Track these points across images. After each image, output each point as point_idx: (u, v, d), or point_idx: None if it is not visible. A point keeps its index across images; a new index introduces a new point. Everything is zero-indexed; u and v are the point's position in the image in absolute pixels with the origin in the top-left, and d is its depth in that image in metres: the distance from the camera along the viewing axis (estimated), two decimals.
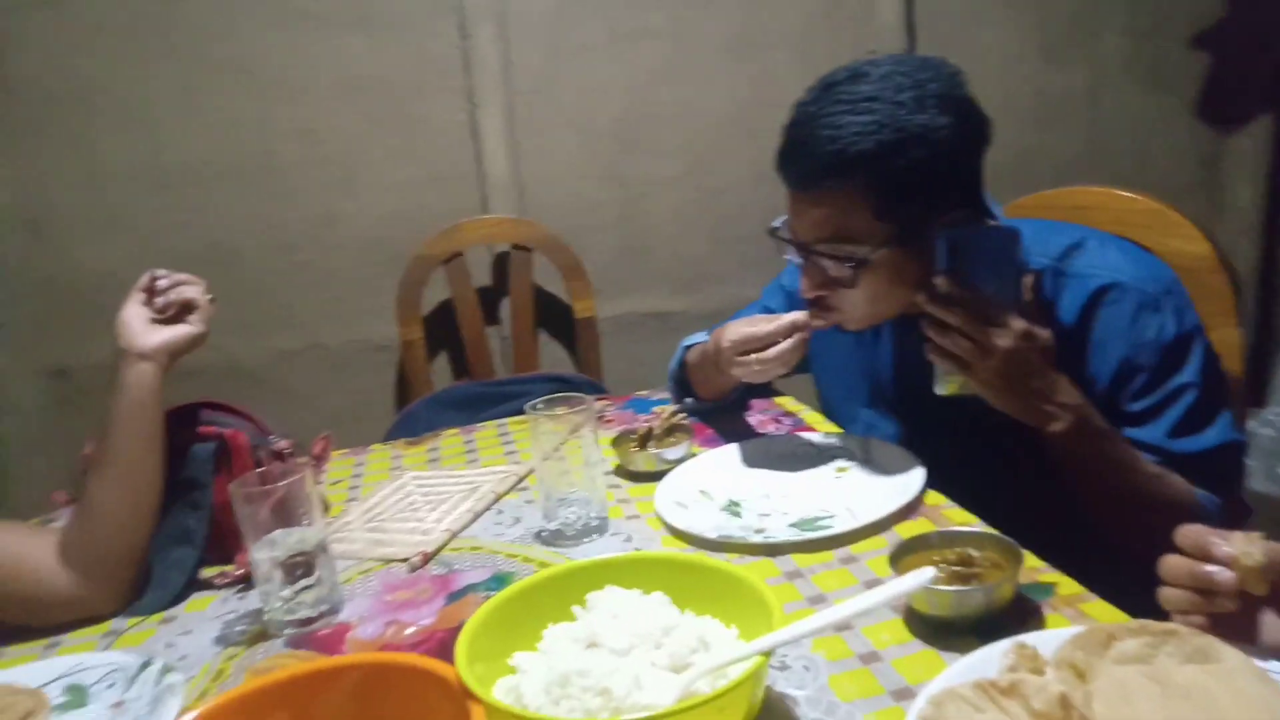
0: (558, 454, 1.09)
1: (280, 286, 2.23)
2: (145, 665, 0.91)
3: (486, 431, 1.53)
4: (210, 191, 2.15)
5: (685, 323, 2.16)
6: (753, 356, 1.17)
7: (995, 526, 0.95)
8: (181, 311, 1.11)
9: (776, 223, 1.15)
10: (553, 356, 2.37)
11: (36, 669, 0.93)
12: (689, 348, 1.46)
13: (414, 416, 1.90)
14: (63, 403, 2.16)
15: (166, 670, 0.89)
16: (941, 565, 0.82)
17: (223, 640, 0.98)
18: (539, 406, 1.09)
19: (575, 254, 2.21)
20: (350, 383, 2.30)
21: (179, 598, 1.07)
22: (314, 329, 2.27)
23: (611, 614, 0.76)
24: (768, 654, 0.66)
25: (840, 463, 1.20)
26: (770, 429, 1.36)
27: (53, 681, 0.91)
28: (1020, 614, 0.80)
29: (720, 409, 1.43)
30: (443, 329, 2.25)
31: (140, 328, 1.08)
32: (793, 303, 1.42)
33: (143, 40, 2.06)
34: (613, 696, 0.66)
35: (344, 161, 2.20)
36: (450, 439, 1.52)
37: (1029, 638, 0.70)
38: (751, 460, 1.23)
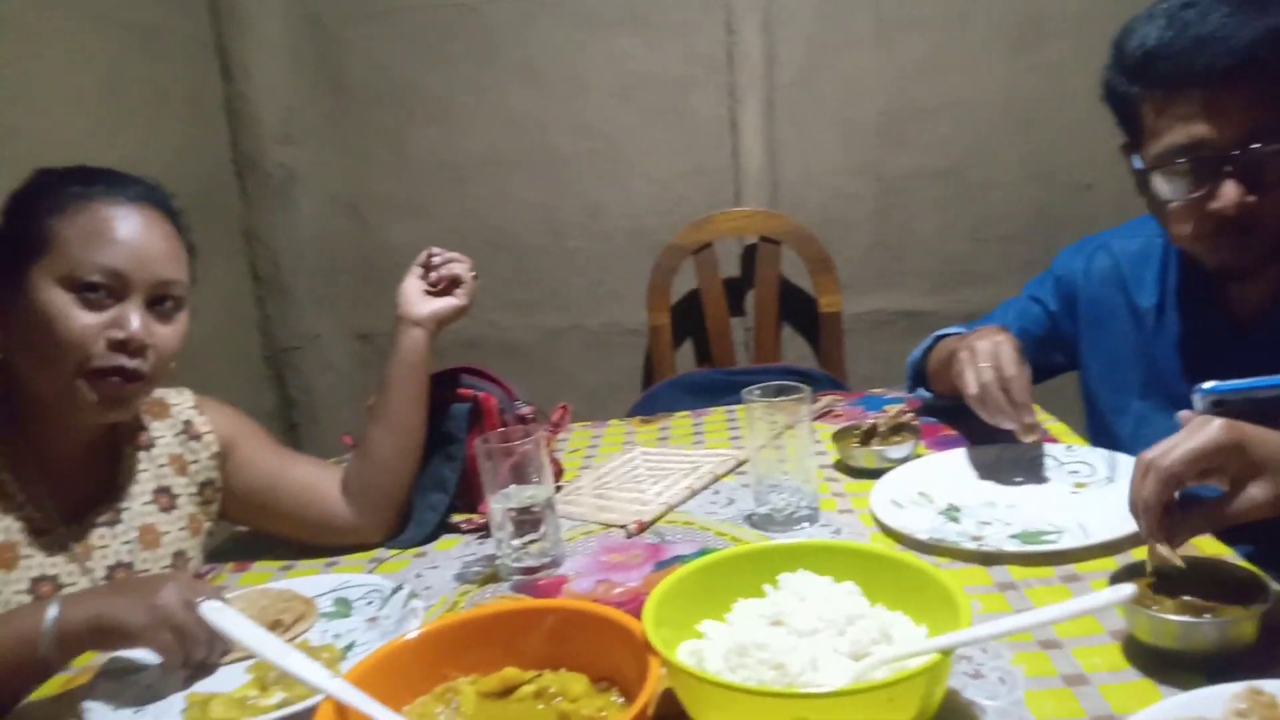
0: (775, 443, 1.10)
1: (550, 270, 2.42)
2: (396, 590, 1.05)
3: (716, 416, 1.58)
4: (496, 182, 2.38)
5: (938, 323, 2.05)
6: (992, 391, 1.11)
7: (1264, 565, 0.84)
8: (450, 286, 1.25)
9: (1138, 163, 1.05)
10: (796, 351, 2.37)
11: (316, 581, 1.10)
12: (941, 338, 1.41)
13: (655, 398, 1.99)
14: (365, 363, 2.49)
15: (412, 596, 1.02)
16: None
17: (460, 578, 1.10)
18: (756, 394, 1.11)
19: (824, 248, 2.20)
20: (604, 362, 2.44)
21: (431, 537, 1.22)
22: (577, 311, 2.44)
23: (800, 596, 0.77)
24: (948, 653, 0.64)
25: (1080, 478, 1.11)
26: (1008, 437, 1.28)
27: (326, 593, 1.07)
28: (1265, 658, 0.70)
29: (955, 408, 1.36)
30: (690, 317, 2.33)
31: (415, 298, 1.24)
32: (1063, 295, 1.32)
33: (448, 46, 2.31)
34: (787, 672, 0.67)
35: (614, 154, 2.34)
36: (681, 420, 1.58)
37: (1269, 684, 0.62)
38: (981, 467, 1.17)
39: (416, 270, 1.26)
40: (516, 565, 1.07)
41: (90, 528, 1.05)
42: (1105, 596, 0.64)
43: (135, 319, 0.97)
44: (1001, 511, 1.05)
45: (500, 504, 1.06)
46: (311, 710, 0.81)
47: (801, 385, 1.10)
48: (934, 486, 1.12)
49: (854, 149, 2.26)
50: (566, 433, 1.56)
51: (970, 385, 1.12)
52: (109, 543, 1.05)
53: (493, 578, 1.08)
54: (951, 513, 1.06)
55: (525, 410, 1.29)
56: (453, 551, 1.17)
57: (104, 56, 1.88)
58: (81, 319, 0.95)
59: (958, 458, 1.20)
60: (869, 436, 1.23)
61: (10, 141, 1.61)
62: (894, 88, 2.22)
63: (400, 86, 2.35)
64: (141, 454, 1.12)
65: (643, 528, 1.15)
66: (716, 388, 1.89)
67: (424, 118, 2.37)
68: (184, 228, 1.06)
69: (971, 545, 0.97)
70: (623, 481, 1.31)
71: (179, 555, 1.13)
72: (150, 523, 1.10)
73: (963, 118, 2.21)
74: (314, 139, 2.39)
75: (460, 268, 1.26)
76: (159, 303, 1.00)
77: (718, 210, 2.25)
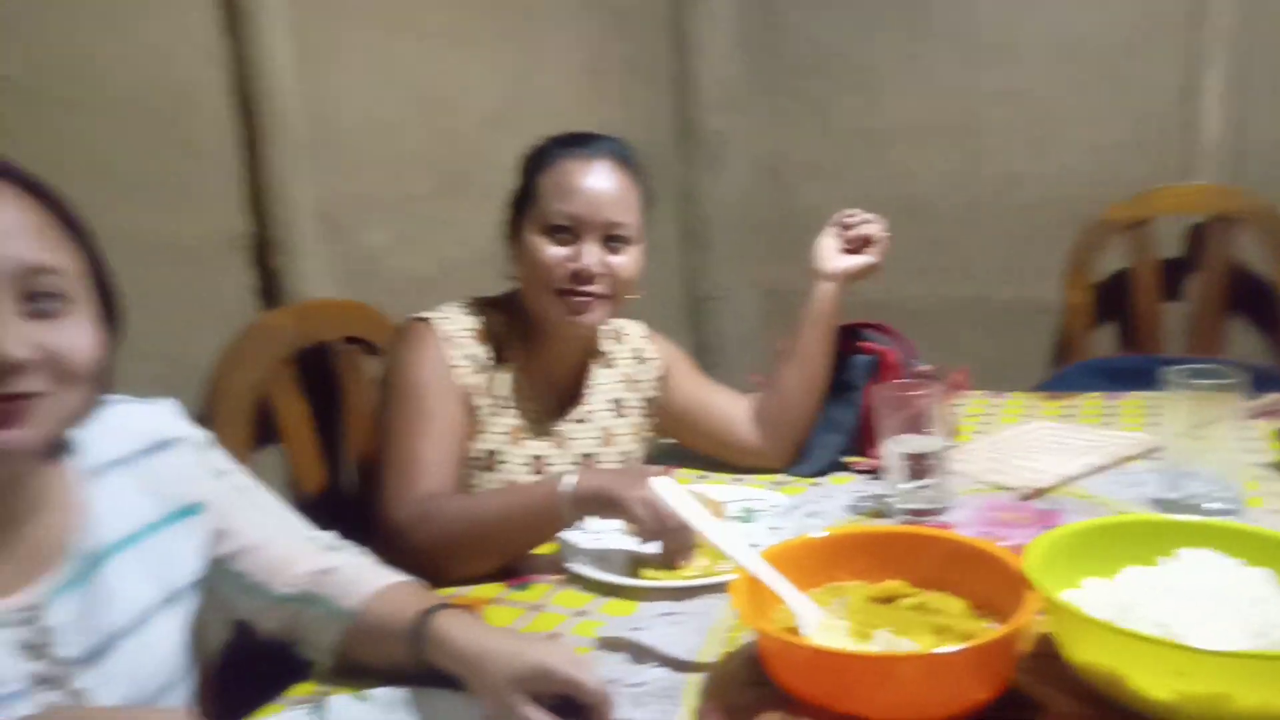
0: (1198, 431, 1.06)
1: (960, 239, 2.40)
2: (794, 508, 1.19)
3: (1133, 401, 1.50)
4: (914, 149, 2.41)
5: None
6: None
7: None
8: (863, 245, 1.35)
9: None
10: (1244, 345, 2.11)
11: (727, 490, 1.29)
12: None
13: (1064, 379, 1.92)
14: (769, 315, 2.69)
15: (810, 515, 1.16)
16: None
17: (851, 509, 1.21)
18: (1182, 374, 1.06)
19: None
20: (1007, 338, 2.37)
21: (825, 471, 1.34)
22: (983, 282, 2.40)
23: (1199, 572, 0.77)
24: None
25: None
26: None
27: (735, 501, 1.25)
28: None
29: None
30: (1112, 298, 2.17)
31: (829, 254, 1.35)
32: None
33: (882, 14, 2.37)
34: (1171, 632, 0.69)
35: (1042, 122, 2.24)
36: (1091, 401, 1.53)
37: None
38: None
39: (833, 229, 1.37)
40: (904, 506, 1.15)
41: (567, 423, 1.32)
42: None
43: (588, 255, 1.20)
44: None
45: (894, 448, 1.15)
46: (721, 585, 0.99)
47: (1233, 370, 1.04)
48: None
49: None
50: (964, 396, 1.59)
51: None
52: (579, 436, 1.32)
53: (880, 514, 1.18)
54: None
55: (925, 368, 1.36)
56: (845, 487, 1.29)
57: (591, 37, 2.24)
58: (549, 251, 1.20)
59: None
60: None
61: (518, 109, 2.00)
62: None
63: (830, 56, 2.46)
64: (605, 371, 1.38)
65: (1038, 493, 1.17)
66: (1138, 375, 1.75)
67: (850, 86, 2.45)
68: (642, 175, 1.28)
69: None
70: (1018, 449, 1.32)
71: (626, 455, 1.38)
72: (608, 425, 1.35)
73: None
74: (746, 106, 2.59)
75: (874, 228, 1.35)
76: (611, 239, 1.22)
77: (1160, 184, 2.07)
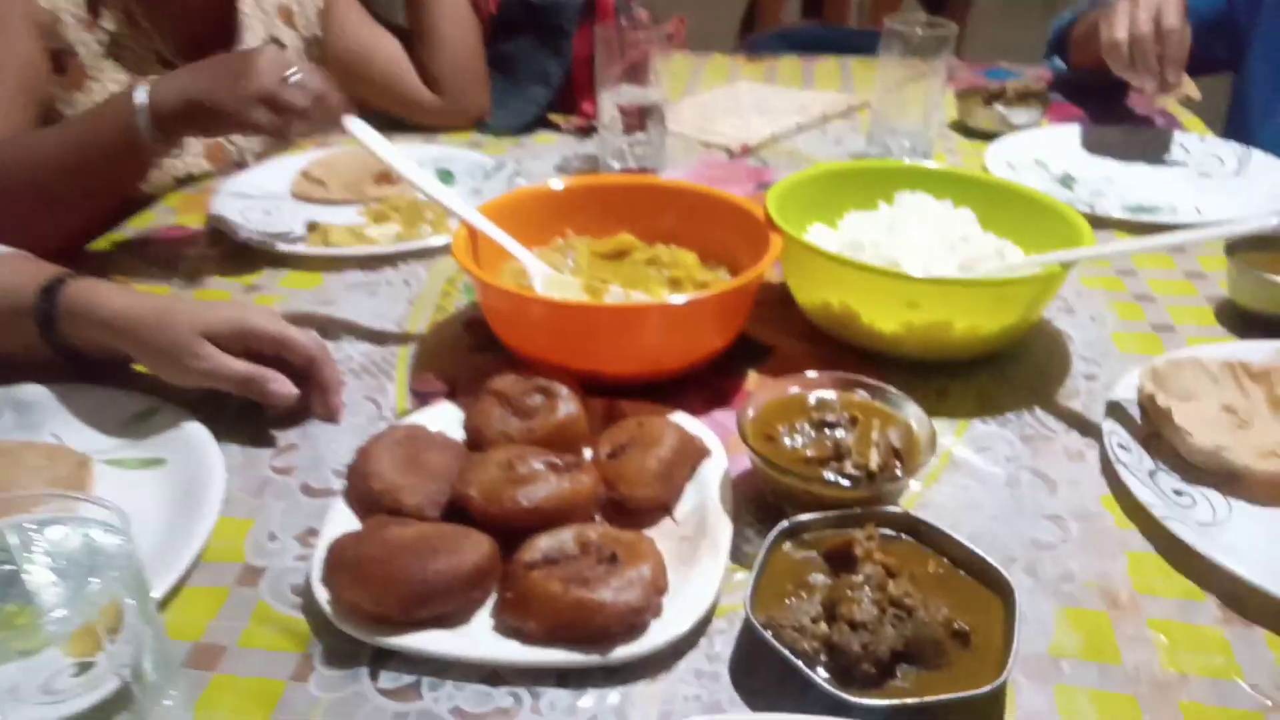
0: (899, 88, 1.06)
1: None
2: (497, 169, 1.07)
3: (828, 65, 1.50)
4: None
5: None
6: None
7: None
8: None
9: None
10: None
11: (418, 149, 1.12)
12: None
13: (757, 45, 1.89)
14: None
15: (517, 175, 1.05)
16: None
17: (561, 169, 1.11)
18: (897, 25, 1.04)
19: None
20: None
21: (529, 128, 1.21)
22: None
23: (915, 213, 0.78)
24: (1064, 267, 0.66)
25: (1208, 167, 1.07)
26: (1136, 120, 1.23)
27: (428, 163, 1.09)
28: None
29: (1084, 87, 1.29)
30: None
31: None
32: None
33: None
34: (900, 267, 0.69)
35: None
36: (790, 62, 1.51)
37: None
38: (1104, 144, 1.13)
39: None
40: (618, 165, 1.07)
41: None
42: (1244, 225, 0.63)
43: None
44: (1118, 187, 1.03)
45: (610, 100, 1.05)
46: (424, 250, 0.87)
47: (947, 23, 1.03)
48: (1052, 155, 1.09)
49: None
50: (672, 53, 1.49)
51: (1119, 29, 1.04)
52: None
53: (593, 173, 1.09)
54: (1066, 180, 1.04)
55: (642, 14, 1.23)
56: (551, 146, 1.18)
57: None
58: None
59: (1081, 131, 1.15)
60: (994, 98, 1.18)
61: None
62: None
63: None
64: (250, 3, 1.09)
65: (747, 150, 1.14)
66: (828, 45, 1.77)
67: None
68: None
69: (1084, 210, 0.95)
70: (726, 110, 1.28)
71: None
72: None
73: None
74: None
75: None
76: None
77: None
